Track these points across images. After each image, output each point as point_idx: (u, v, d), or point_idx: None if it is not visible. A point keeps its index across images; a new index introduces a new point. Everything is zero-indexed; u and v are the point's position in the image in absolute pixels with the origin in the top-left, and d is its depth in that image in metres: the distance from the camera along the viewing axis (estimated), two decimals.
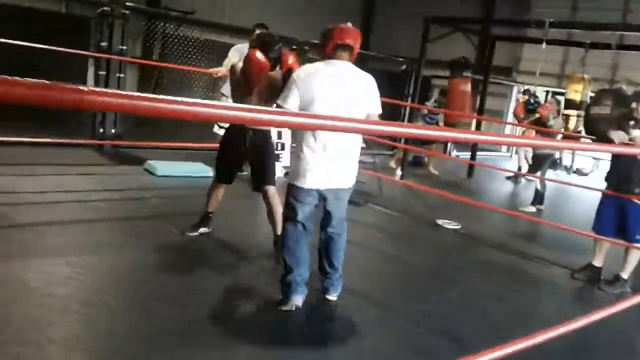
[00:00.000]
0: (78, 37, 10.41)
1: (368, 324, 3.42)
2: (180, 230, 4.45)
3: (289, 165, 7.23)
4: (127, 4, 7.54)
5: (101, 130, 7.33)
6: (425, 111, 10.02)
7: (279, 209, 4.04)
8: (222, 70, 6.59)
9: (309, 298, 3.46)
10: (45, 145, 6.57)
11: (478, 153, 10.57)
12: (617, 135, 4.22)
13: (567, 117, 8.28)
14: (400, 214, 6.32)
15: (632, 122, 4.23)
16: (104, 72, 7.38)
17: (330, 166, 3.21)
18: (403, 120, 11.18)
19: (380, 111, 3.33)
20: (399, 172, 8.48)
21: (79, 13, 9.94)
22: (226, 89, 6.86)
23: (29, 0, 9.51)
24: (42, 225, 4.23)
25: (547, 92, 11.60)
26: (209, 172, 6.58)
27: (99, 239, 4.18)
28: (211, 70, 6.79)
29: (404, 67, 11.25)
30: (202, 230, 4.48)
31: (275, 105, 3.39)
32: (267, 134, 4.21)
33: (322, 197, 3.31)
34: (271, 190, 4.14)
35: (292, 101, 3.14)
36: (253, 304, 3.56)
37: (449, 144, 12.13)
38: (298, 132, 3.35)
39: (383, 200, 6.70)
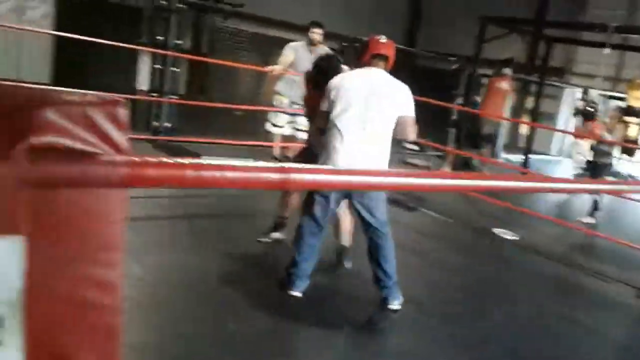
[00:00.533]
0: (131, 29, 10.54)
1: (433, 338, 3.35)
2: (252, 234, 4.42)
3: None
4: None
5: (156, 123, 7.42)
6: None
7: (345, 219, 4.01)
8: (278, 68, 6.57)
9: (365, 309, 3.40)
10: None
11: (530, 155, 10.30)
12: None
13: (626, 125, 8.02)
14: (454, 221, 6.19)
15: None
16: (159, 66, 7.46)
17: (357, 162, 3.22)
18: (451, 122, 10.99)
19: (413, 115, 3.39)
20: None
21: (134, 4, 10.06)
22: (281, 86, 6.82)
23: None
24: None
25: (609, 96, 11.17)
26: None
27: (166, 238, 4.22)
28: (267, 68, 6.76)
29: (455, 65, 11.04)
30: (275, 236, 4.36)
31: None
32: None
33: (347, 196, 3.36)
34: None
35: (325, 106, 3.39)
36: (326, 315, 3.52)
37: (497, 146, 11.86)
38: (332, 127, 3.38)
39: (435, 205, 6.57)
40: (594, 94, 11.30)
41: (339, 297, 3.83)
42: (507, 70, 8.27)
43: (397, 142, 7.29)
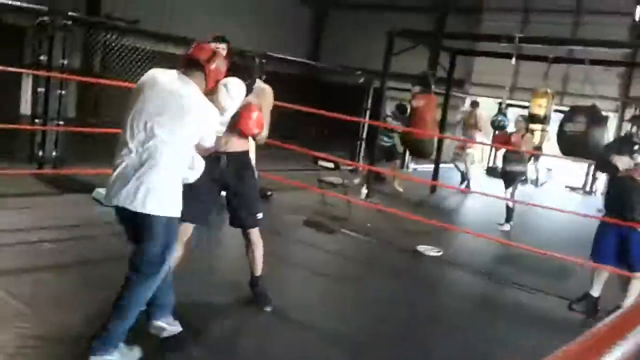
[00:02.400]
0: (10, 49, 9.52)
1: None
2: None
3: None
4: (69, 13, 6.84)
5: (40, 153, 6.58)
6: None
7: (259, 246, 3.63)
8: None
9: None
10: None
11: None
12: (621, 161, 3.98)
13: (531, 132, 8.19)
14: (376, 240, 5.93)
15: (635, 147, 4.00)
16: (42, 89, 6.65)
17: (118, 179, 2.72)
18: (361, 137, 10.90)
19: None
20: (364, 190, 8.11)
21: (13, 22, 9.11)
22: None
23: None
24: None
25: (507, 105, 11.53)
26: None
27: (55, 293, 3.55)
28: None
29: (361, 80, 10.95)
30: None
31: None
32: (245, 157, 3.52)
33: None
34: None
35: None
36: None
37: (407, 157, 11.91)
38: None
39: (355, 225, 6.30)
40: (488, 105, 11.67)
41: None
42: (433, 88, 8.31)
43: (313, 161, 7.08)
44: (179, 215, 2.78)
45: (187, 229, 3.36)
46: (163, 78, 2.79)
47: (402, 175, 9.28)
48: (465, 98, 14.57)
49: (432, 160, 10.14)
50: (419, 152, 9.07)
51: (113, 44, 10.06)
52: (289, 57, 10.43)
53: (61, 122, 6.74)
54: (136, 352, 2.82)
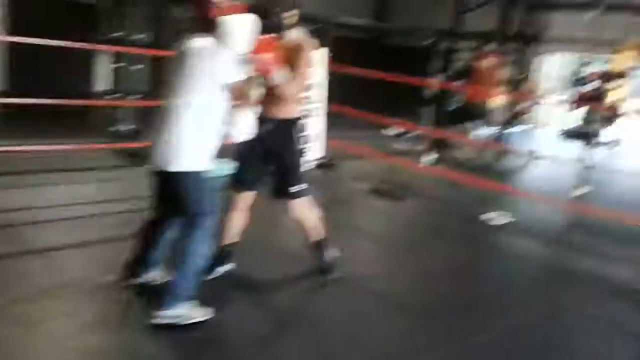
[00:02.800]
0: (86, 27, 9.92)
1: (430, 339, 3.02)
2: None
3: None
4: None
5: (120, 127, 6.92)
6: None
7: (309, 216, 3.57)
8: None
9: None
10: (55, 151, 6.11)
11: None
12: None
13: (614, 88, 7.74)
14: (444, 208, 5.87)
15: None
16: (118, 65, 6.94)
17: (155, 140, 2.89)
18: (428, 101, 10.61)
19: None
20: (431, 156, 7.97)
21: (87, 1, 9.47)
22: None
23: None
24: (68, 248, 3.85)
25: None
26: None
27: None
28: None
29: (429, 40, 10.62)
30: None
31: None
32: (289, 125, 3.41)
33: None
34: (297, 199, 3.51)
35: None
36: None
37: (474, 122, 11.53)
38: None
39: (422, 193, 6.25)
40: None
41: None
42: (491, 46, 7.92)
43: (379, 128, 7.02)
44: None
45: (245, 197, 3.46)
46: (188, 42, 2.91)
47: (469, 140, 9.00)
48: (542, 55, 13.89)
49: (502, 123, 9.79)
50: (481, 115, 8.72)
51: (181, 17, 10.27)
52: (351, 21, 10.25)
53: (136, 97, 7.02)
54: (206, 311, 2.98)
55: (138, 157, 6.39)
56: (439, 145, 8.48)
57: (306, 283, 3.71)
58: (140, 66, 7.14)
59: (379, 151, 7.02)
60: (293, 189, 3.45)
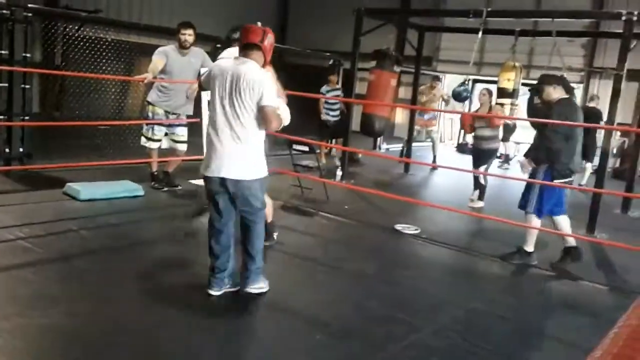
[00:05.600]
0: None
1: None
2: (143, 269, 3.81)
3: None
4: (29, 5, 6.61)
5: (7, 149, 6.41)
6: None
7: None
8: (149, 76, 5.93)
9: None
10: None
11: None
12: None
13: (501, 106, 8.29)
14: (355, 221, 5.95)
15: None
16: (5, 84, 6.44)
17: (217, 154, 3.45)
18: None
19: (271, 104, 3.40)
20: (339, 172, 8.12)
21: None
22: (154, 96, 6.20)
23: None
24: None
25: (475, 80, 11.63)
26: (139, 190, 5.92)
27: (34, 290, 3.47)
28: (137, 77, 6.11)
29: (330, 61, 10.91)
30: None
31: None
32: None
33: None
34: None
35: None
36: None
37: (378, 138, 11.95)
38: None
39: (332, 206, 6.32)
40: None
41: None
42: (397, 67, 8.27)
43: (287, 145, 7.04)
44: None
45: None
46: (228, 63, 3.49)
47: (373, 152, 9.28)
48: (432, 76, 14.70)
49: (404, 139, 10.23)
50: (368, 129, 8.97)
51: (74, 35, 9.78)
52: None
53: (26, 118, 6.56)
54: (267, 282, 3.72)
55: (29, 180, 5.96)
56: (349, 160, 8.66)
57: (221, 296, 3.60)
58: (27, 86, 6.66)
59: (287, 168, 7.02)
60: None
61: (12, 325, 2.97)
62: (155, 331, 3.12)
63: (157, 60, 6.02)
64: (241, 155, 3.42)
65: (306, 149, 6.97)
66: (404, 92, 12.94)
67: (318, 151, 8.11)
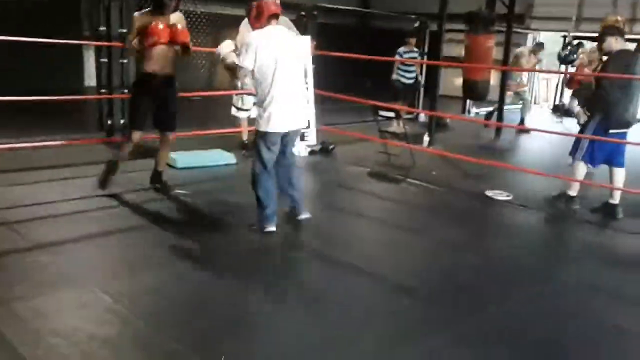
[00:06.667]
0: (67, 23, 9.74)
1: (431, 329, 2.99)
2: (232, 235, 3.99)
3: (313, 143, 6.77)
4: None
5: (109, 121, 6.83)
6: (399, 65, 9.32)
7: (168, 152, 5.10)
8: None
9: None
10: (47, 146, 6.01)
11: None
12: None
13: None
14: (443, 188, 5.84)
15: None
16: (105, 60, 6.83)
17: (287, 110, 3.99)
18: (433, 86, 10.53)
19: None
20: (426, 137, 7.97)
21: None
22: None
23: None
24: (65, 243, 3.78)
25: (574, 37, 10.86)
26: (231, 158, 6.13)
27: (138, 254, 3.73)
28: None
29: (417, 24, 10.60)
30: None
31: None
32: (173, 78, 4.78)
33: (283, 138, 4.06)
34: (172, 135, 4.96)
35: (249, 61, 3.89)
36: None
37: (467, 102, 11.57)
38: (262, 83, 3.91)
39: (419, 173, 6.23)
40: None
41: None
42: (491, 28, 7.95)
43: (373, 111, 7.00)
44: None
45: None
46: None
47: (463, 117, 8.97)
48: (527, 34, 13.91)
49: (493, 102, 9.83)
50: (472, 93, 8.76)
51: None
52: (338, 6, 10.20)
53: (125, 91, 6.93)
54: None
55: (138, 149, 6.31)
56: (436, 125, 8.48)
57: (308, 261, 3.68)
58: (125, 61, 7.02)
59: (372, 135, 6.98)
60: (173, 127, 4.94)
61: (122, 286, 3.21)
62: (243, 294, 3.26)
63: (244, 31, 6.11)
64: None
65: (391, 114, 6.89)
66: (495, 53, 12.37)
67: (404, 117, 8.00)
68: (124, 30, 6.87)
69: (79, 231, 3.99)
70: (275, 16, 3.99)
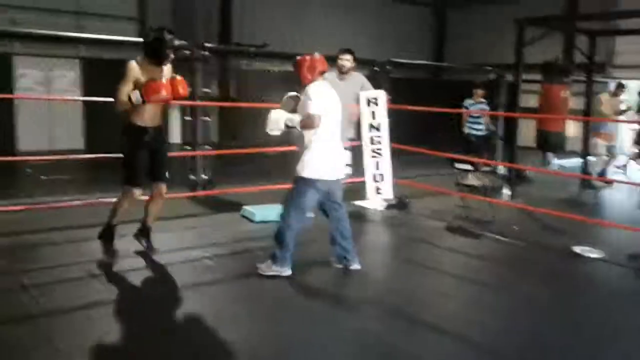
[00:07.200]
0: None
1: None
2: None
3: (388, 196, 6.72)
4: (206, 44, 7.36)
5: (192, 177, 7.12)
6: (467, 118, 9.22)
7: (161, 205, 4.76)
8: None
9: None
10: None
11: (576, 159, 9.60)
12: None
13: None
14: (526, 243, 5.61)
15: None
16: (189, 118, 7.21)
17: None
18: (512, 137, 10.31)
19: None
20: (506, 191, 7.74)
21: None
22: None
23: None
24: (150, 298, 3.91)
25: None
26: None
27: (217, 308, 3.78)
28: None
29: (492, 75, 10.51)
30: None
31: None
32: (162, 131, 4.74)
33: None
34: (165, 187, 4.71)
35: (318, 107, 4.15)
36: None
37: (547, 153, 11.20)
38: (322, 132, 4.16)
39: (500, 227, 6.02)
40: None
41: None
42: (568, 78, 7.81)
43: (449, 164, 6.91)
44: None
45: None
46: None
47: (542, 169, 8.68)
48: (608, 83, 13.45)
49: (579, 154, 9.45)
50: (545, 144, 8.52)
51: (245, 69, 10.66)
52: (412, 61, 10.32)
53: (208, 147, 7.24)
54: None
55: (211, 204, 6.53)
56: (516, 177, 8.24)
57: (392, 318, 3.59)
58: (208, 118, 7.39)
59: (449, 188, 6.87)
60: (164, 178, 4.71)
61: (203, 339, 3.26)
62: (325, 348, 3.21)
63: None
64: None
65: (468, 167, 6.77)
66: (576, 102, 12.02)
67: (481, 169, 7.84)
68: (208, 90, 7.27)
69: (170, 283, 4.11)
70: (324, 73, 4.30)
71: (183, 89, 4.45)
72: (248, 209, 6.12)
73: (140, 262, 4.56)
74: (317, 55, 4.33)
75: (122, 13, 10.59)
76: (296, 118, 4.20)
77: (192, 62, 7.12)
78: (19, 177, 8.40)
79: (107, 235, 4.77)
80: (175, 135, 9.93)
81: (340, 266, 4.49)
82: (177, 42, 4.60)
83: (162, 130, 4.71)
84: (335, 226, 4.43)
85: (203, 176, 7.12)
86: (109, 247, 4.74)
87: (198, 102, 7.02)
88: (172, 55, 4.42)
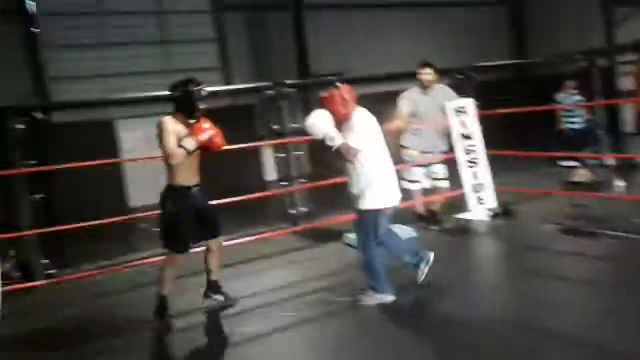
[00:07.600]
0: (246, 126, 10.77)
1: None
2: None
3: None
4: (288, 82, 7.58)
5: (291, 211, 7.28)
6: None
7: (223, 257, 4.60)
8: (399, 123, 6.20)
9: None
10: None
11: None
12: None
13: None
14: None
15: None
16: (283, 155, 7.42)
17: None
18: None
19: None
20: (620, 183, 7.23)
21: (243, 103, 10.36)
22: (407, 140, 6.42)
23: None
24: (276, 333, 4.00)
25: None
26: (412, 232, 6.11)
27: (351, 344, 3.77)
28: (389, 126, 6.45)
29: (583, 64, 9.94)
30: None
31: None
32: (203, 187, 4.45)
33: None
34: (222, 239, 4.56)
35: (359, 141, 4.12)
36: None
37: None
38: (368, 162, 4.16)
39: (618, 223, 5.60)
40: None
41: None
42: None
43: (552, 162, 6.57)
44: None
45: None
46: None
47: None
48: None
49: None
50: None
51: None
52: (496, 63, 10.01)
53: (303, 181, 7.39)
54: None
55: (314, 236, 6.63)
56: (628, 167, 7.70)
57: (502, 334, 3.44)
58: (300, 153, 7.57)
59: (554, 188, 6.52)
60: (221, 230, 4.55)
61: None
62: None
63: (404, 106, 6.26)
64: None
65: (574, 164, 6.43)
66: None
67: (588, 164, 7.39)
68: (297, 125, 7.45)
69: (279, 322, 4.18)
70: (357, 100, 4.24)
71: (221, 139, 4.34)
72: (350, 236, 6.15)
73: (250, 302, 4.69)
74: (340, 85, 4.23)
75: (207, 65, 11.10)
76: (337, 140, 4.06)
77: (277, 101, 7.36)
78: (135, 232, 8.96)
79: (162, 310, 4.34)
80: (270, 173, 10.20)
81: (422, 276, 4.41)
82: (205, 91, 4.31)
83: (202, 186, 4.41)
84: (395, 246, 4.48)
85: (302, 209, 7.25)
86: (167, 324, 4.32)
87: (288, 140, 7.21)
88: (203, 106, 4.25)
